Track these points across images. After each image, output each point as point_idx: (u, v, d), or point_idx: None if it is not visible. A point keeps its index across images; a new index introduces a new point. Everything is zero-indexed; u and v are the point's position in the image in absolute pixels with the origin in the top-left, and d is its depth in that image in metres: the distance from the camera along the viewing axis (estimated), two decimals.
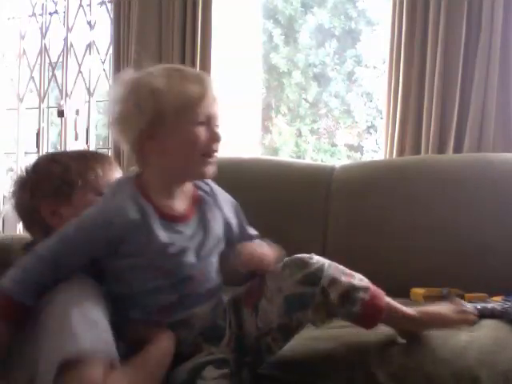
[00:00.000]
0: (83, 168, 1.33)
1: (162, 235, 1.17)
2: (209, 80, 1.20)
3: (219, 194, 1.33)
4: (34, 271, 1.17)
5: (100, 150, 3.78)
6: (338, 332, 1.32)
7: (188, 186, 1.26)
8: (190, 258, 1.20)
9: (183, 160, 1.19)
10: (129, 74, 1.21)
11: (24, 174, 1.38)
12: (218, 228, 1.28)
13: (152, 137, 1.16)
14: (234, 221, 1.34)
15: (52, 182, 1.32)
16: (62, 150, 3.38)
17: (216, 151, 1.21)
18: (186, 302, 1.20)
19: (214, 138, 1.19)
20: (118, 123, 1.19)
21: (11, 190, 1.39)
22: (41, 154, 3.47)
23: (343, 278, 1.19)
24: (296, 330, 1.24)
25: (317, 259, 1.23)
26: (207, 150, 1.19)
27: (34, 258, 1.18)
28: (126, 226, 1.14)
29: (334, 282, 1.18)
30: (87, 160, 1.36)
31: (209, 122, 1.18)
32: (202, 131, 1.17)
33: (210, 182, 1.32)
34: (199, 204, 1.26)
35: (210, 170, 1.22)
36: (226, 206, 1.33)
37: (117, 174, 1.38)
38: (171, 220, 1.19)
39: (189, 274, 1.21)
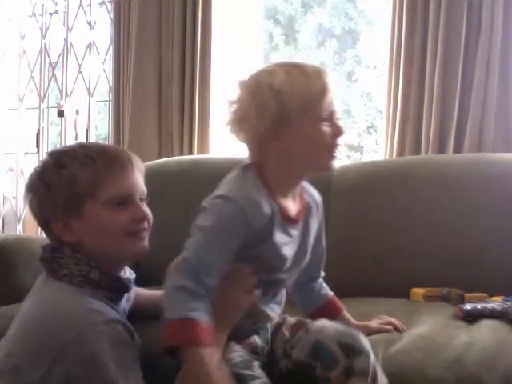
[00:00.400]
0: (92, 177, 1.23)
1: (278, 236, 1.17)
2: (328, 74, 1.20)
3: (320, 203, 1.34)
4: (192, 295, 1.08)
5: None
6: None
7: (300, 188, 1.25)
8: (290, 262, 1.21)
9: (308, 157, 1.18)
10: (248, 75, 1.20)
11: (32, 180, 1.29)
12: (312, 238, 1.29)
13: (276, 137, 1.15)
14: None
15: (59, 192, 1.23)
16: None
17: (339, 145, 1.19)
18: (263, 301, 1.21)
19: (338, 132, 1.18)
20: (239, 123, 1.18)
21: (25, 194, 1.31)
22: (41, 154, 3.46)
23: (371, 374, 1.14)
24: (305, 375, 1.20)
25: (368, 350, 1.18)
26: (332, 146, 1.18)
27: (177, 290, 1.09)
28: (261, 221, 1.13)
29: (363, 371, 1.14)
30: (97, 167, 1.25)
31: (331, 116, 1.17)
32: (326, 128, 1.16)
33: (313, 190, 1.32)
34: (306, 210, 1.27)
35: (333, 163, 1.20)
36: (321, 217, 1.34)
37: (133, 174, 1.30)
38: (287, 221, 1.19)
39: (282, 278, 1.22)
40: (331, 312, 1.35)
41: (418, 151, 2.48)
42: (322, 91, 1.15)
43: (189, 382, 1.04)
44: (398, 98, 2.52)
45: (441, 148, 2.44)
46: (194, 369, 1.03)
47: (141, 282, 1.70)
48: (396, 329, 1.39)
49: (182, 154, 2.90)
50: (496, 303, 1.49)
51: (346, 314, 1.38)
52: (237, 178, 1.21)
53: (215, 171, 2.17)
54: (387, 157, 2.55)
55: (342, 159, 4.46)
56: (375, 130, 4.46)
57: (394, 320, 1.41)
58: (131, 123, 3.03)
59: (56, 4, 3.47)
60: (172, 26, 2.96)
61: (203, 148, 2.91)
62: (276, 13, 4.55)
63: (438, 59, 2.43)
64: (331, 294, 1.41)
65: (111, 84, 3.21)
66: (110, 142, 3.20)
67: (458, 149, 2.42)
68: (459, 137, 2.43)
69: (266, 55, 4.14)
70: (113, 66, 3.18)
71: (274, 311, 1.26)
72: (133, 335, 1.20)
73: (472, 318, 1.44)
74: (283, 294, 1.29)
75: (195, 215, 2.23)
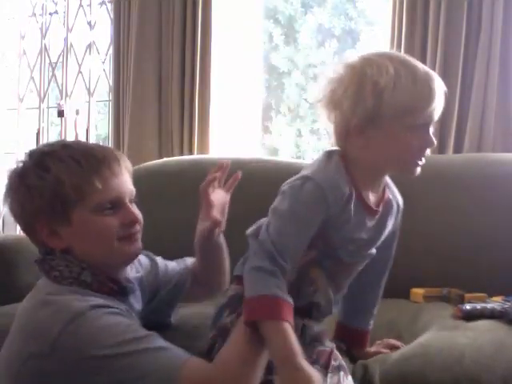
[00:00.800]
0: (79, 182, 1.15)
1: (353, 222, 1.13)
2: (438, 82, 1.15)
3: (401, 206, 1.29)
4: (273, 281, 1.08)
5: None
6: None
7: (383, 183, 1.21)
8: (354, 249, 1.18)
9: (390, 161, 1.14)
10: (356, 58, 1.13)
11: (12, 181, 1.21)
12: (383, 236, 1.24)
13: (361, 132, 1.10)
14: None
15: (43, 197, 1.15)
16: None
17: (424, 155, 1.14)
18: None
19: (428, 145, 1.13)
20: (331, 105, 1.13)
21: (3, 198, 1.22)
22: None
23: None
24: None
25: None
26: (417, 155, 1.13)
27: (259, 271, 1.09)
28: (339, 204, 1.11)
29: None
30: (83, 171, 1.15)
31: (427, 126, 1.12)
32: (415, 137, 1.11)
33: (397, 192, 1.28)
34: (386, 205, 1.22)
35: (417, 170, 1.15)
36: (399, 222, 1.30)
37: (121, 176, 1.21)
38: (364, 208, 1.16)
39: (345, 262, 1.19)
40: (356, 343, 1.34)
41: None
42: (426, 101, 1.10)
43: (273, 354, 1.05)
44: None
45: (441, 148, 2.44)
46: (279, 342, 1.03)
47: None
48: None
49: (182, 153, 2.90)
50: (496, 303, 1.49)
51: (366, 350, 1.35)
52: (320, 160, 1.16)
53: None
54: None
55: None
56: None
57: (395, 342, 1.38)
58: (131, 123, 3.03)
59: (56, 4, 3.47)
60: (172, 26, 2.96)
61: (203, 148, 2.91)
62: (276, 13, 4.56)
63: (437, 59, 2.43)
64: (370, 326, 1.37)
65: (111, 84, 3.21)
66: (110, 142, 3.20)
67: (457, 149, 2.42)
68: (459, 137, 2.43)
69: (265, 55, 4.14)
70: (113, 66, 3.18)
71: (334, 305, 1.23)
72: None
73: (471, 318, 1.44)
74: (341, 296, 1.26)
75: (195, 215, 2.24)
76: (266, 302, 1.05)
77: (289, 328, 1.03)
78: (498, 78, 2.37)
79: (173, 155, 2.86)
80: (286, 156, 4.38)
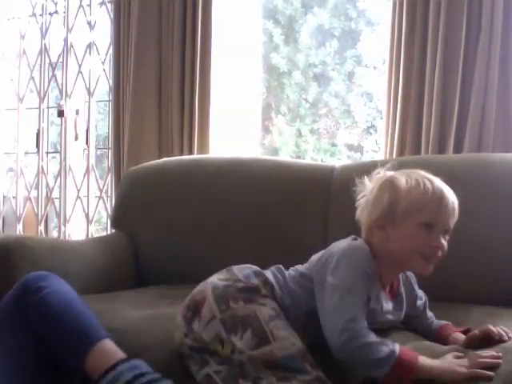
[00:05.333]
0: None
1: (373, 298, 1.32)
2: (450, 194, 1.36)
3: (414, 279, 1.49)
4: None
5: (100, 151, 3.78)
6: None
7: (398, 277, 1.44)
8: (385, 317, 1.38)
9: (403, 257, 1.34)
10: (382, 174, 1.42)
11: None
12: (404, 309, 1.44)
13: (381, 227, 1.35)
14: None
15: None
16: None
17: (437, 257, 1.33)
18: None
19: (436, 246, 1.32)
20: (361, 207, 1.42)
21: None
22: (41, 154, 3.46)
23: None
24: None
25: None
26: (427, 253, 1.32)
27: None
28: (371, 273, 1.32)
29: None
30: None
31: (437, 228, 1.32)
32: (425, 234, 1.31)
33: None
34: (398, 291, 1.44)
35: (428, 269, 1.34)
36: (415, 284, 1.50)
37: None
38: (382, 288, 1.37)
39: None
40: (440, 340, 1.40)
41: (417, 151, 2.48)
42: (434, 203, 1.32)
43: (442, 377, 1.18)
44: (397, 98, 2.52)
45: (441, 148, 2.44)
46: (428, 373, 1.18)
47: (141, 281, 1.72)
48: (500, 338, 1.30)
49: (182, 153, 2.90)
50: None
51: (455, 335, 1.39)
52: (348, 239, 1.42)
53: (215, 171, 2.19)
54: (387, 157, 2.56)
55: (342, 159, 4.48)
56: (375, 130, 4.46)
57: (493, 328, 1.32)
58: (131, 123, 3.03)
59: (56, 4, 3.47)
60: (172, 26, 2.96)
61: (203, 148, 2.91)
62: (276, 13, 4.55)
63: (437, 59, 2.43)
64: (438, 324, 1.47)
65: (111, 84, 3.21)
66: (110, 141, 3.20)
67: (458, 149, 2.42)
68: (459, 137, 2.43)
69: (265, 55, 4.14)
70: (113, 66, 3.18)
71: None
72: None
73: None
74: None
75: (195, 215, 2.24)
76: (396, 367, 1.17)
77: (417, 360, 1.18)
78: (498, 77, 2.37)
79: (173, 155, 2.86)
80: (285, 156, 4.38)
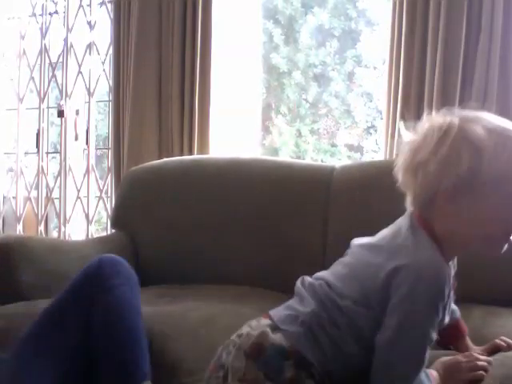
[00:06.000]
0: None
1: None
2: None
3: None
4: None
5: (100, 151, 3.78)
6: None
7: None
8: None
9: (478, 232, 1.03)
10: (443, 118, 1.05)
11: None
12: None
13: (451, 198, 1.01)
14: None
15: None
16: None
17: None
18: None
19: None
20: (412, 168, 1.04)
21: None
22: (41, 154, 3.46)
23: None
24: None
25: None
26: (509, 232, 1.03)
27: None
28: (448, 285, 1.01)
29: None
30: None
31: None
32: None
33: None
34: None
35: (502, 250, 1.06)
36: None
37: None
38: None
39: None
40: (453, 336, 1.24)
41: None
42: None
43: None
44: (397, 98, 2.52)
45: None
46: None
47: (141, 281, 1.70)
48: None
49: (182, 154, 2.90)
50: None
51: (467, 339, 1.26)
52: (409, 240, 1.05)
53: (215, 171, 2.19)
54: (387, 157, 2.55)
55: (342, 159, 4.48)
56: (375, 130, 4.46)
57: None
58: (131, 123, 3.03)
59: (56, 4, 3.46)
60: (172, 26, 2.96)
61: (203, 148, 2.91)
62: (276, 13, 4.56)
63: (437, 59, 2.43)
64: (458, 316, 1.28)
65: (111, 84, 3.21)
66: (110, 141, 3.20)
67: None
68: None
69: (265, 55, 4.15)
70: (113, 66, 3.18)
71: None
72: None
73: None
74: None
75: (195, 215, 2.24)
76: None
77: None
78: (498, 77, 2.37)
79: (173, 155, 2.86)
80: (285, 156, 4.38)
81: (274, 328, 1.06)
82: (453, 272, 1.14)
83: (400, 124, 1.09)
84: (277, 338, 1.04)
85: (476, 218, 1.01)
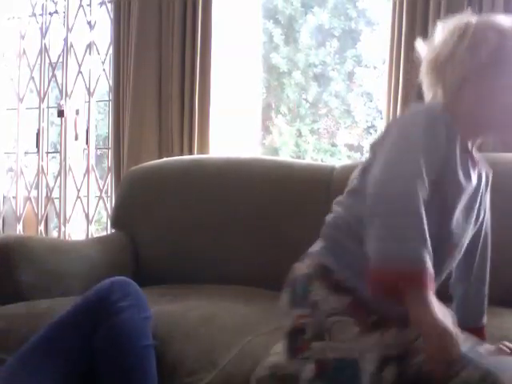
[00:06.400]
0: None
1: (460, 173, 1.05)
2: None
3: (490, 173, 1.23)
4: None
5: (100, 151, 3.78)
6: None
7: (477, 154, 1.13)
8: (459, 216, 1.07)
9: (498, 115, 1.08)
10: (461, 18, 1.11)
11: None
12: (482, 208, 1.17)
13: (481, 77, 1.06)
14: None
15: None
16: (62, 147, 3.38)
17: None
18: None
19: None
20: (438, 63, 1.09)
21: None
22: (41, 154, 3.46)
23: None
24: None
25: None
26: None
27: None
28: (449, 137, 1.03)
29: None
30: None
31: None
32: None
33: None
34: (480, 173, 1.14)
35: None
36: (488, 190, 1.21)
37: None
38: (468, 157, 1.08)
39: (452, 236, 1.07)
40: None
41: None
42: None
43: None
44: (397, 98, 2.52)
45: None
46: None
47: (140, 281, 1.71)
48: None
49: (182, 153, 2.90)
50: None
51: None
52: (421, 106, 1.11)
53: (215, 171, 2.19)
54: None
55: (342, 159, 4.48)
56: (375, 130, 4.46)
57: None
58: (131, 123, 3.03)
59: (56, 4, 3.46)
60: (172, 26, 2.96)
61: (203, 148, 2.91)
62: (276, 13, 4.56)
63: None
64: (484, 322, 1.26)
65: (111, 84, 3.21)
66: (110, 141, 3.20)
67: None
68: None
69: (265, 55, 4.15)
70: (113, 66, 3.18)
71: None
72: None
73: None
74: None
75: (195, 215, 2.24)
76: (406, 275, 0.93)
77: (430, 294, 0.93)
78: None
79: (173, 155, 2.86)
80: (285, 156, 4.38)
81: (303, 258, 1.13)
82: (485, 170, 1.17)
83: (417, 42, 1.14)
84: (302, 265, 1.12)
85: (498, 97, 1.06)
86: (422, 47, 1.15)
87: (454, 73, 1.07)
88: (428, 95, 1.13)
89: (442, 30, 1.12)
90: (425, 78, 1.12)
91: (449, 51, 1.08)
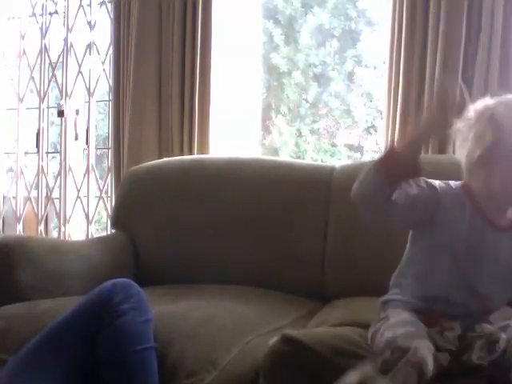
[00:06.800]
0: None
1: (463, 226, 1.30)
2: None
3: None
4: None
5: (100, 151, 3.78)
6: None
7: None
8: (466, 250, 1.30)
9: (506, 190, 1.28)
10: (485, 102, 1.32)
11: None
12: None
13: (484, 163, 1.27)
14: None
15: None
16: (62, 149, 3.38)
17: None
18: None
19: None
20: (461, 145, 1.33)
21: None
22: (41, 154, 3.46)
23: None
24: None
25: None
26: None
27: None
28: (449, 195, 1.31)
29: None
30: None
31: None
32: None
33: None
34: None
35: None
36: None
37: None
38: (485, 222, 1.30)
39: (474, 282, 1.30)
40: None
41: None
42: None
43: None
44: (397, 98, 2.52)
45: (441, 148, 2.44)
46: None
47: (141, 281, 1.71)
48: None
49: (182, 153, 2.90)
50: None
51: None
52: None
53: (215, 171, 2.19)
54: None
55: (342, 159, 4.48)
56: (375, 130, 4.46)
57: None
58: (131, 123, 3.03)
59: (56, 4, 3.46)
60: (172, 26, 2.96)
61: (203, 148, 2.91)
62: (276, 13, 4.56)
63: (437, 59, 2.43)
64: None
65: (111, 84, 3.21)
66: (110, 141, 3.20)
67: None
68: None
69: (265, 55, 4.14)
70: (113, 66, 3.18)
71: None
72: None
73: None
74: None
75: (195, 215, 2.24)
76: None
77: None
78: (498, 77, 2.36)
79: (173, 155, 2.86)
80: (285, 156, 4.38)
81: None
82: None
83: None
84: None
85: (502, 177, 1.27)
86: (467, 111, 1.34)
87: (466, 154, 1.30)
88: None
89: (473, 108, 1.33)
90: (458, 148, 1.36)
91: (466, 136, 1.30)
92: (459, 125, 1.32)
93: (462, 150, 1.32)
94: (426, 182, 1.32)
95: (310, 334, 1.27)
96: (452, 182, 1.36)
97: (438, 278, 1.29)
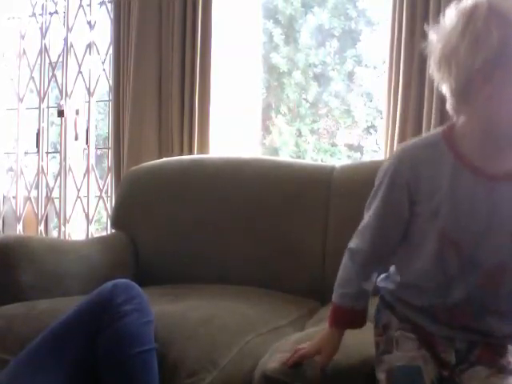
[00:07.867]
0: None
1: (454, 185, 1.01)
2: None
3: None
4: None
5: (100, 151, 3.78)
6: None
7: None
8: (478, 225, 1.01)
9: None
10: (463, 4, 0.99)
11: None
12: None
13: (488, 78, 0.93)
14: None
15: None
16: (63, 149, 3.38)
17: None
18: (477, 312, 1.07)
19: None
20: (443, 60, 0.99)
21: None
22: (41, 154, 3.47)
23: None
24: None
25: None
26: None
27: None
28: (426, 170, 1.03)
29: None
30: None
31: None
32: None
33: None
34: None
35: None
36: None
37: None
38: (474, 174, 1.00)
39: (479, 257, 1.03)
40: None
41: None
42: None
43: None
44: (397, 98, 2.52)
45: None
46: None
47: (141, 281, 1.71)
48: None
49: (182, 153, 2.90)
50: None
51: None
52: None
53: (215, 171, 2.19)
54: (387, 157, 2.55)
55: (342, 159, 4.48)
56: (375, 130, 4.46)
57: None
58: (131, 123, 3.03)
59: (56, 4, 3.46)
60: (172, 26, 2.96)
61: (203, 148, 2.91)
62: (276, 13, 4.56)
63: None
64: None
65: (111, 84, 3.21)
66: (110, 142, 3.20)
67: None
68: None
69: (265, 55, 4.15)
70: (113, 66, 3.18)
71: (493, 325, 1.07)
72: None
73: None
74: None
75: (195, 215, 2.24)
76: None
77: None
78: None
79: (173, 155, 2.86)
80: (285, 156, 4.38)
81: None
82: None
83: (427, 28, 1.07)
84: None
85: (506, 96, 0.95)
86: (431, 33, 1.07)
87: (459, 70, 0.97)
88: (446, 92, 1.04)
89: (453, 11, 1.05)
90: (434, 72, 1.04)
91: (453, 43, 0.98)
92: (432, 37, 1.05)
93: (446, 68, 0.99)
94: (390, 197, 1.09)
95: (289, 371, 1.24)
96: (431, 134, 1.11)
97: (424, 263, 1.08)
